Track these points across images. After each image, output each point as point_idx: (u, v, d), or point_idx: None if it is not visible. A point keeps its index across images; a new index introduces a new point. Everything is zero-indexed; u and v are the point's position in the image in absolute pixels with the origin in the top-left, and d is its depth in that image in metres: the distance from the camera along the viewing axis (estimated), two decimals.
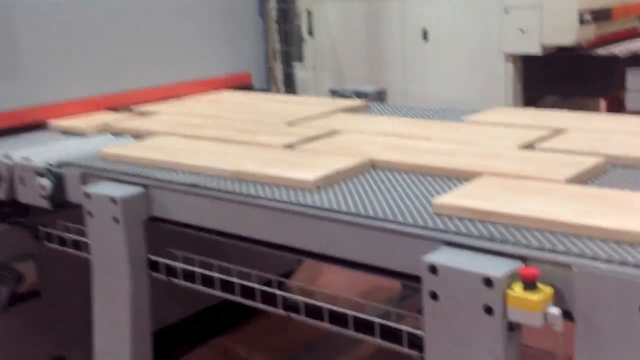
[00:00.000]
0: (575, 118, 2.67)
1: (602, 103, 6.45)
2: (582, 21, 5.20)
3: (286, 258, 2.00)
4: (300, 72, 6.21)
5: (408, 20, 6.04)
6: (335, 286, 2.07)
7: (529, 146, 2.27)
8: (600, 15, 5.33)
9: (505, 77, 5.61)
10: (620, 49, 5.27)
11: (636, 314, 1.33)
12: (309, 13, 6.41)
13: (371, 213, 1.76)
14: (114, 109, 3.18)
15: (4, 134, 2.82)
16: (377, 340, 1.76)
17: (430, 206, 1.77)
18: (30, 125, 2.93)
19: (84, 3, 3.07)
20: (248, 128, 2.70)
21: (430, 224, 1.67)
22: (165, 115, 3.07)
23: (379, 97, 3.45)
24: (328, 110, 2.98)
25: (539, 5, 5.31)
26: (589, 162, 2.01)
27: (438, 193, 1.88)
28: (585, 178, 1.94)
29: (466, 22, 5.73)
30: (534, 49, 5.37)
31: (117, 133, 2.85)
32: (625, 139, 2.28)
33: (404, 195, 1.89)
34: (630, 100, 5.18)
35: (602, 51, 5.29)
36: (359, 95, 3.42)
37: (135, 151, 2.47)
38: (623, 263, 1.39)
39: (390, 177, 2.08)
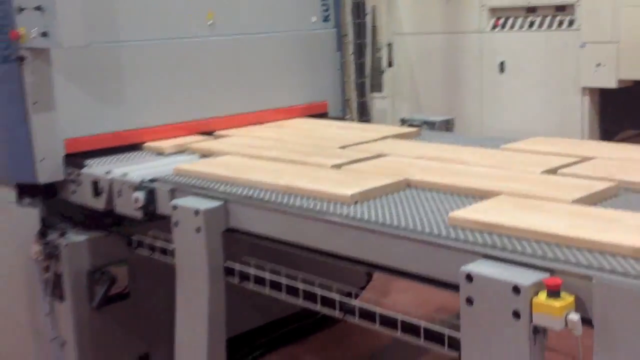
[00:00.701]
0: (609, 148, 2.83)
1: None
2: None
3: (354, 276, 2.21)
4: (379, 102, 6.46)
5: (486, 52, 6.19)
6: (400, 305, 2.26)
7: (552, 171, 2.46)
8: None
9: (582, 110, 5.66)
10: None
11: None
12: (390, 46, 6.66)
13: (395, 223, 2.01)
14: (203, 133, 3.51)
15: (108, 153, 3.18)
16: (421, 342, 1.95)
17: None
18: (129, 145, 3.28)
19: (179, 42, 3.42)
20: (304, 150, 2.99)
21: (444, 234, 1.90)
22: (236, 137, 3.40)
23: (447, 125, 3.64)
24: (380, 136, 3.24)
25: (616, 41, 5.36)
26: (599, 186, 2.20)
27: (459, 209, 2.09)
28: (594, 200, 2.12)
29: (543, 55, 5.83)
30: (610, 83, 5.42)
31: (196, 154, 3.18)
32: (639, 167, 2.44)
33: (428, 210, 2.13)
34: None
35: None
36: (428, 123, 3.63)
37: (202, 167, 2.81)
38: (637, 277, 1.54)
39: (422, 194, 2.33)
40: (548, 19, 5.73)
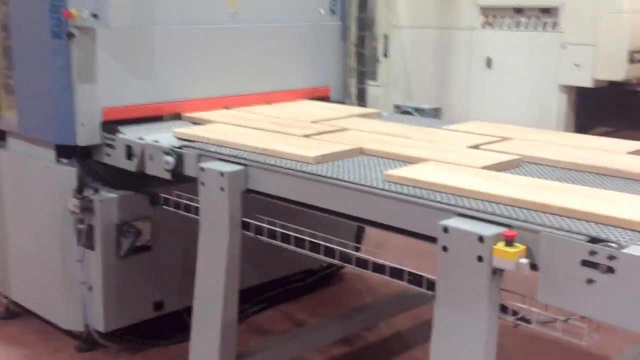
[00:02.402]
0: (530, 132, 3.42)
1: None
2: (631, 60, 5.69)
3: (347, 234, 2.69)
4: (374, 89, 6.91)
5: (475, 49, 6.65)
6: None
7: (475, 147, 3.07)
8: None
9: (559, 106, 6.14)
10: None
11: (578, 265, 1.96)
12: (386, 37, 7.10)
13: (342, 177, 2.61)
14: (226, 107, 3.95)
15: (138, 122, 3.60)
16: (405, 284, 2.43)
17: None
18: (158, 116, 3.72)
19: (205, 27, 3.85)
20: (284, 123, 3.57)
21: (380, 185, 2.52)
22: (231, 110, 3.94)
23: (435, 113, 4.11)
24: (348, 115, 3.85)
25: (593, 43, 5.83)
26: (504, 157, 2.83)
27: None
28: (499, 168, 2.74)
29: (528, 54, 6.30)
30: (587, 82, 5.90)
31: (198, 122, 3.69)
32: (547, 147, 3.06)
33: (372, 170, 2.75)
34: None
35: None
36: (418, 111, 4.10)
37: (197, 132, 3.36)
38: (570, 231, 2.03)
39: (371, 160, 2.94)
40: (534, 20, 6.20)
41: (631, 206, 2.21)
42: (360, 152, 3.03)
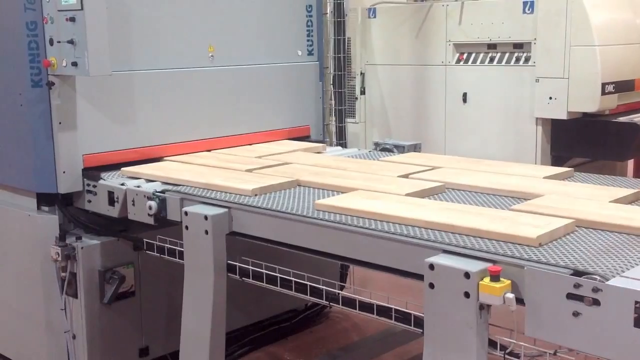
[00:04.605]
0: (458, 161, 3.59)
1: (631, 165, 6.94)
2: (604, 92, 5.79)
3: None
4: (352, 127, 6.96)
5: (450, 84, 6.73)
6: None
7: (405, 176, 3.22)
8: (623, 87, 5.88)
9: (535, 138, 6.21)
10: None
11: (564, 299, 1.98)
12: (363, 74, 7.17)
13: (276, 207, 2.76)
14: (201, 151, 3.96)
15: (119, 167, 3.58)
16: (392, 322, 2.43)
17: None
18: (139, 161, 3.70)
19: (183, 71, 3.89)
20: (231, 159, 3.70)
21: (310, 214, 2.68)
22: (202, 152, 4.00)
23: (414, 149, 4.15)
24: (292, 149, 4.00)
25: (567, 77, 5.92)
26: (429, 185, 2.98)
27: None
28: (423, 194, 2.88)
29: (502, 88, 6.38)
30: (561, 115, 5.97)
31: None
32: (470, 174, 3.21)
33: (305, 200, 2.89)
34: None
35: (623, 119, 5.83)
36: (398, 147, 4.13)
37: (143, 169, 3.49)
38: (555, 264, 2.05)
39: (306, 190, 3.08)
40: (507, 55, 6.29)
41: (528, 224, 2.37)
42: (297, 183, 3.16)
